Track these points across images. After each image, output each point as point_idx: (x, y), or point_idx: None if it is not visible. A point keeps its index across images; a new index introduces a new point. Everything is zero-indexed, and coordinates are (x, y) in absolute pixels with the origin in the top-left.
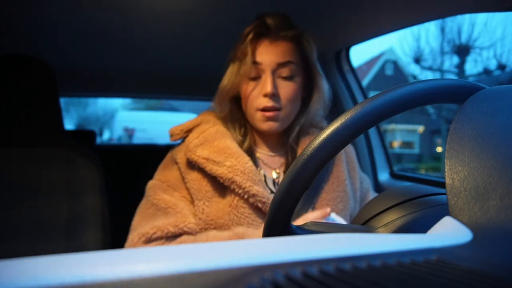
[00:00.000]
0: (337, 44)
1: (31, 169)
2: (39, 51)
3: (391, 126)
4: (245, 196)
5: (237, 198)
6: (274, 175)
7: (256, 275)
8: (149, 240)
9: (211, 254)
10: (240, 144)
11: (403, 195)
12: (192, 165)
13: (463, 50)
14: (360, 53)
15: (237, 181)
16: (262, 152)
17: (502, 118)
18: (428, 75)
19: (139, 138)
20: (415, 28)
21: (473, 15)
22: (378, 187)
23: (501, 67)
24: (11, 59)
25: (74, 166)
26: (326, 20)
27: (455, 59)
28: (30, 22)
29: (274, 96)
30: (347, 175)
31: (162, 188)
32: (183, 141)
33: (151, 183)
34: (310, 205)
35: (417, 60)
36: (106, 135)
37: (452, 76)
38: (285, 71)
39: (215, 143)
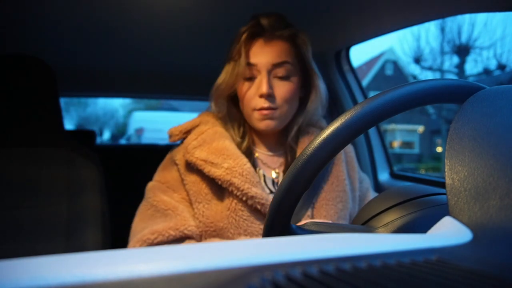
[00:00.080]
0: (337, 44)
1: (31, 169)
2: (39, 51)
3: (391, 126)
4: (244, 198)
5: (235, 201)
6: (274, 175)
7: (256, 275)
8: (151, 246)
9: (211, 254)
10: (239, 145)
11: (403, 195)
12: (191, 166)
13: (463, 50)
14: (360, 53)
15: (235, 183)
16: (261, 152)
17: (502, 118)
18: (428, 75)
19: (150, 139)
20: (415, 28)
21: (473, 15)
22: (378, 187)
23: (501, 67)
24: (11, 59)
25: (74, 166)
26: (326, 20)
27: (455, 59)
28: (30, 22)
29: (270, 96)
30: (347, 175)
31: (161, 189)
32: (182, 142)
33: (150, 185)
34: (309, 205)
35: (417, 60)
36: (119, 136)
37: (452, 76)
38: (281, 71)
39: (213, 144)
